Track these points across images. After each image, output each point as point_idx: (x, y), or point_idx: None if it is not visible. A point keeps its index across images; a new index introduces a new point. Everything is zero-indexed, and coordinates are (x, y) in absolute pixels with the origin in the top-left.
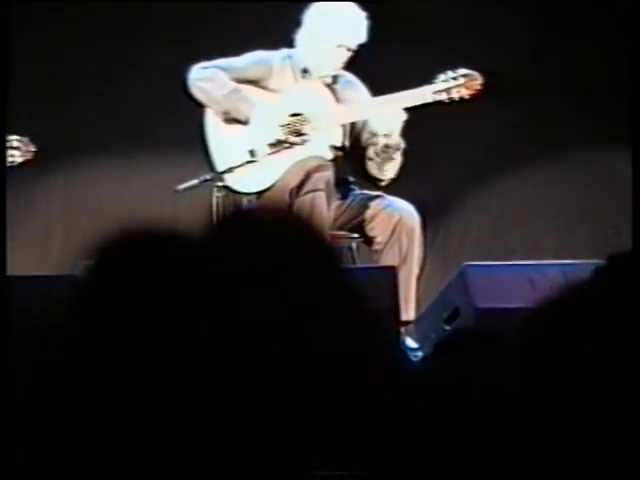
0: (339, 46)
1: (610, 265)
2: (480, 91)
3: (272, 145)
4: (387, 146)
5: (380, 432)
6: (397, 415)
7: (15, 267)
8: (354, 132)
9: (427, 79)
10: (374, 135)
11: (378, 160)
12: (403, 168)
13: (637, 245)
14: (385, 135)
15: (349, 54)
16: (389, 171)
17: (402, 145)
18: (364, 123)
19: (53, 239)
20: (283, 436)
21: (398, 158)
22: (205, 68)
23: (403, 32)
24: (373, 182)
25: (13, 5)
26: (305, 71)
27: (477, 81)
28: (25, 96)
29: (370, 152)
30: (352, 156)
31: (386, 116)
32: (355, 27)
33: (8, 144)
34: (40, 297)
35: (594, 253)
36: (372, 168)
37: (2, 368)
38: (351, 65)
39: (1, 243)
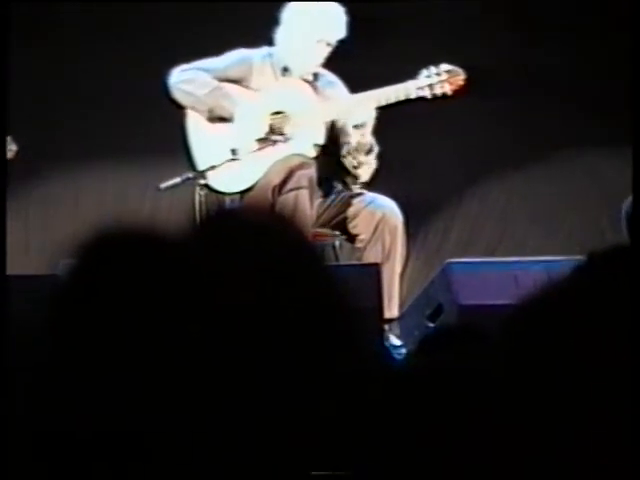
0: (318, 41)
1: (591, 262)
2: (463, 87)
3: (254, 143)
4: (357, 147)
5: (364, 430)
6: (380, 413)
7: None
8: (335, 130)
9: (409, 76)
10: (347, 134)
11: (351, 160)
12: (385, 165)
13: (635, 244)
14: (356, 133)
15: (329, 50)
16: (363, 174)
17: (375, 147)
18: (344, 119)
19: (32, 239)
20: (268, 436)
21: (371, 161)
22: (185, 70)
23: (384, 29)
24: (351, 181)
25: None
26: (285, 69)
27: (460, 77)
28: (5, 95)
29: (343, 151)
30: (334, 154)
31: (357, 113)
32: (333, 22)
33: None
34: (20, 296)
35: (576, 251)
36: (347, 167)
37: None
38: (331, 63)
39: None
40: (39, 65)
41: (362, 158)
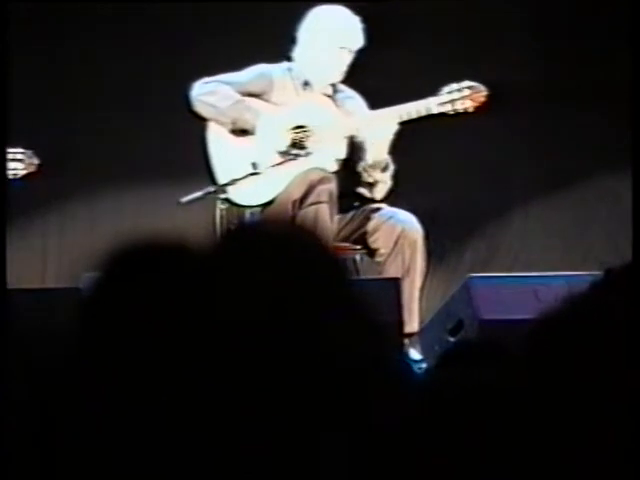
0: (340, 48)
1: (608, 277)
2: (484, 103)
3: (275, 157)
4: (373, 164)
5: (385, 444)
6: (401, 427)
7: (13, 280)
8: (356, 143)
9: (431, 92)
10: (363, 150)
11: (366, 177)
12: (405, 180)
13: (637, 258)
14: (372, 149)
15: (350, 57)
16: (378, 191)
17: (391, 165)
18: (362, 137)
19: (51, 253)
20: (285, 446)
21: (387, 179)
22: (207, 83)
23: (405, 45)
24: (370, 196)
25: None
26: (306, 83)
27: (482, 93)
28: (28, 110)
29: (359, 167)
30: (354, 168)
31: (379, 128)
32: (351, 30)
33: (12, 156)
34: (40, 310)
35: (594, 267)
36: (363, 184)
37: (3, 379)
38: (349, 78)
39: (1, 255)
40: (58, 79)
41: (377, 175)
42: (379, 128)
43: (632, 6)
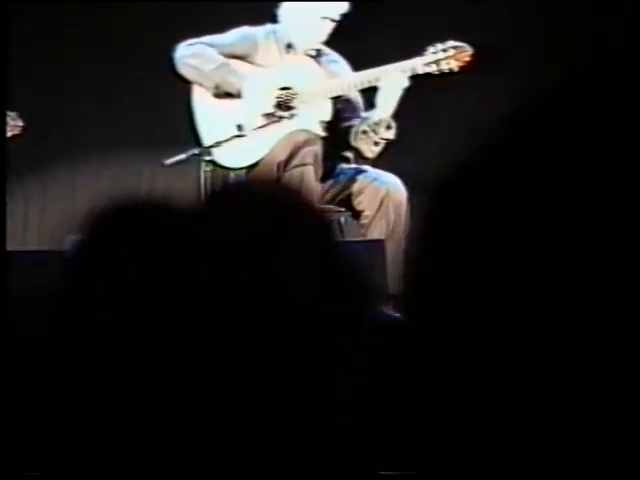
0: (322, 18)
1: None
2: (469, 63)
3: (261, 119)
4: (379, 122)
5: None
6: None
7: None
8: (340, 105)
9: (415, 52)
10: (359, 110)
11: (372, 135)
12: (390, 143)
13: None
14: (381, 108)
15: (332, 25)
16: (376, 150)
17: (393, 124)
18: (349, 97)
19: (32, 216)
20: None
21: (391, 137)
22: (191, 45)
23: (388, 6)
24: (355, 156)
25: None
26: (289, 46)
27: (466, 52)
28: (13, 73)
29: (363, 126)
30: (339, 130)
31: (387, 85)
32: None
33: None
34: (23, 272)
35: None
36: (361, 144)
37: None
38: (334, 41)
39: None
40: (39, 43)
41: (383, 133)
42: (393, 80)
43: None
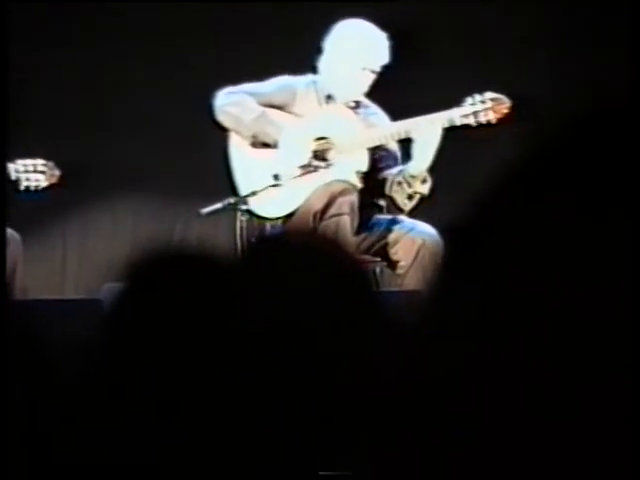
0: (362, 69)
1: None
2: (508, 115)
3: (297, 169)
4: (414, 175)
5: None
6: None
7: (33, 292)
8: (377, 156)
9: (454, 103)
10: (401, 161)
11: (405, 188)
12: (424, 196)
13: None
14: (418, 161)
15: (373, 76)
16: (411, 203)
17: (429, 178)
18: (386, 147)
19: (69, 264)
20: (279, 437)
21: (425, 191)
22: (231, 93)
23: (427, 56)
24: (393, 206)
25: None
26: (329, 97)
27: (505, 105)
28: (49, 122)
29: (398, 178)
30: (375, 181)
31: (425, 136)
32: (377, 48)
33: (33, 168)
34: (65, 321)
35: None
36: (394, 195)
37: (20, 385)
38: (374, 90)
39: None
40: (76, 91)
41: (418, 187)
42: (430, 132)
43: None
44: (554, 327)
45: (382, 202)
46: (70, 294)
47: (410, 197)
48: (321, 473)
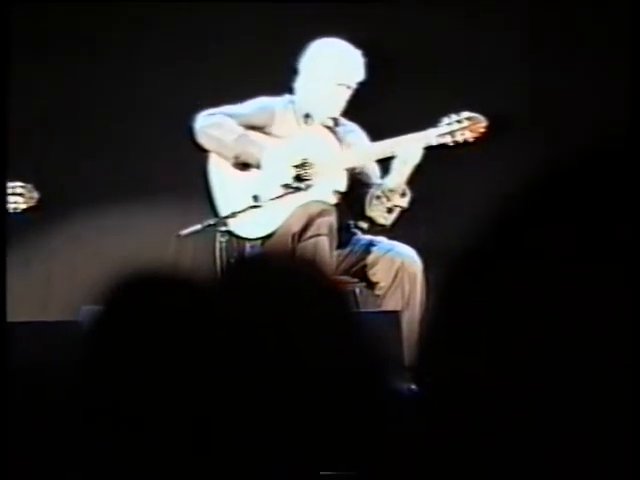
0: (338, 85)
1: None
2: (484, 134)
3: (277, 190)
4: (393, 189)
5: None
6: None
7: (16, 313)
8: (355, 176)
9: (430, 123)
10: (373, 177)
11: (384, 202)
12: (405, 212)
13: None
14: (396, 174)
15: (349, 92)
16: (390, 218)
17: (408, 192)
18: (365, 167)
19: (54, 286)
20: (281, 437)
21: (404, 205)
22: (212, 115)
23: (403, 76)
24: (370, 225)
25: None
26: (307, 116)
27: (481, 124)
28: (27, 144)
29: (377, 192)
30: (354, 200)
31: (405, 153)
32: (351, 65)
33: (12, 190)
34: (42, 343)
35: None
36: (372, 211)
37: (4, 409)
38: (351, 110)
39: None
40: (56, 111)
41: (397, 200)
42: (409, 151)
43: (634, 33)
44: (550, 342)
45: (363, 224)
46: (53, 317)
47: (390, 210)
48: (323, 473)
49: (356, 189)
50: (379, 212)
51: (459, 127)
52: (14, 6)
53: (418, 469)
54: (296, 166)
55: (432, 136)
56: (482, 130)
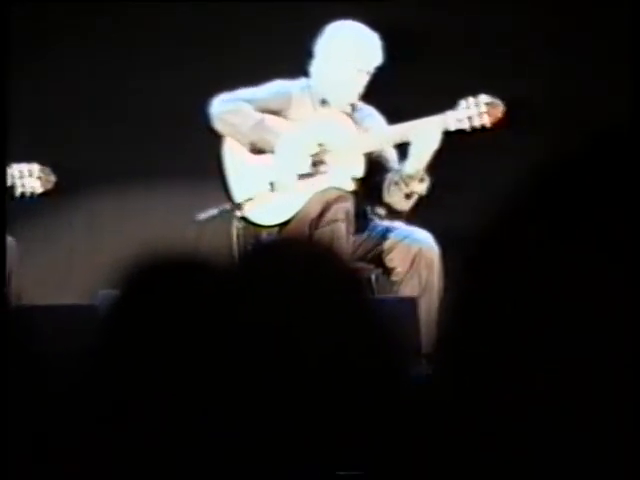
0: (357, 70)
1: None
2: (502, 119)
3: (293, 176)
4: (412, 175)
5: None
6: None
7: (35, 297)
8: (373, 161)
9: (448, 106)
10: (392, 161)
11: (403, 187)
12: (422, 198)
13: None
14: (414, 159)
15: (367, 78)
16: (408, 203)
17: (426, 177)
18: (383, 151)
19: (74, 269)
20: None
21: (423, 191)
22: (228, 101)
23: (421, 59)
24: (388, 211)
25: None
26: (324, 101)
27: (499, 108)
28: (45, 126)
29: (395, 178)
30: (371, 186)
31: (423, 138)
32: (369, 49)
33: (29, 173)
34: (59, 326)
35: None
36: (393, 196)
37: (21, 395)
38: (368, 93)
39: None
40: (73, 95)
41: (415, 186)
42: (426, 135)
43: None
44: (552, 334)
45: (381, 210)
46: (75, 301)
47: (408, 196)
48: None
49: (374, 174)
50: (397, 198)
51: (477, 112)
52: (14, 6)
53: (431, 459)
54: (312, 150)
55: (450, 120)
56: (500, 115)
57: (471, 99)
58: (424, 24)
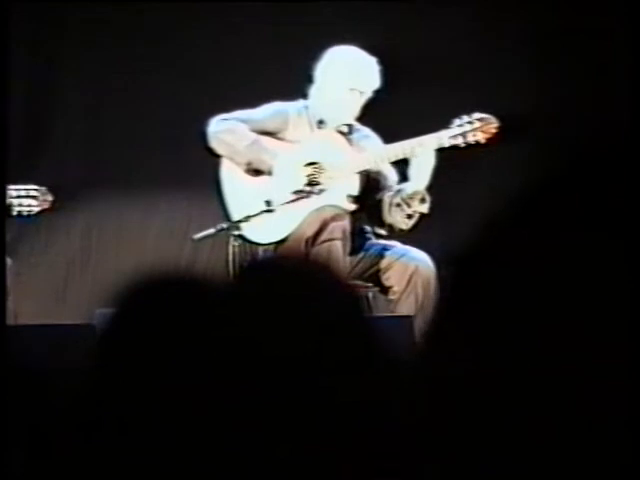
0: (351, 90)
1: None
2: (496, 135)
3: (289, 195)
4: (412, 195)
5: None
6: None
7: (31, 316)
8: (370, 180)
9: (442, 125)
10: (391, 181)
11: (405, 208)
12: (422, 217)
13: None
14: (415, 180)
15: (363, 99)
16: (409, 223)
17: (427, 197)
18: (380, 171)
19: (71, 288)
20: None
21: (424, 211)
22: (225, 120)
23: (415, 78)
24: (389, 231)
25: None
26: (321, 122)
27: (493, 124)
28: (43, 145)
29: (397, 199)
30: (368, 205)
31: (416, 164)
32: (366, 71)
33: (26, 193)
34: (56, 346)
35: None
36: (395, 216)
37: (16, 415)
38: (365, 114)
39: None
40: (70, 114)
41: (416, 206)
42: (422, 153)
43: None
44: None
45: (382, 231)
46: (70, 320)
47: (409, 216)
48: None
49: (372, 193)
50: (399, 218)
51: (471, 128)
52: (14, 6)
53: (429, 468)
54: (306, 169)
55: (444, 137)
56: (493, 131)
57: (464, 117)
58: (419, 45)
